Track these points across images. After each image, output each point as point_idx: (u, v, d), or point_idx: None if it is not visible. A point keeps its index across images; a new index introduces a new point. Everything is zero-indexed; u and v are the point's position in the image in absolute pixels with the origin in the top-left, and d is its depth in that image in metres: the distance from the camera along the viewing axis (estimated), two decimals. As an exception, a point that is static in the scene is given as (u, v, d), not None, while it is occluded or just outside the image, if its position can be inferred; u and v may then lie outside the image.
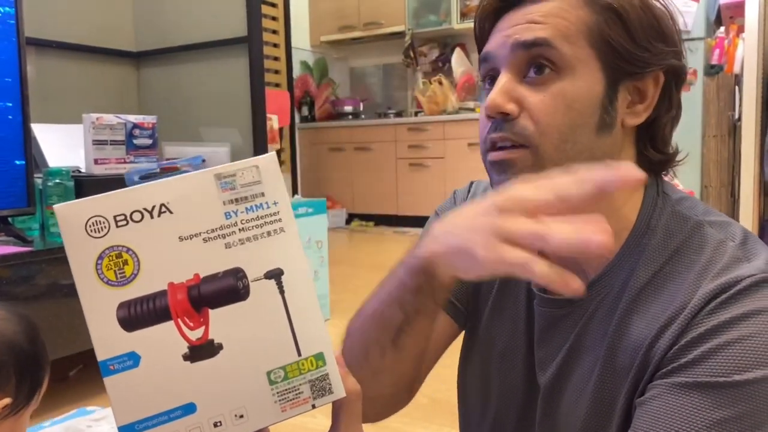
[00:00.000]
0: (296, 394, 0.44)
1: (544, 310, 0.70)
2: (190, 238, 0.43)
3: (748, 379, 0.54)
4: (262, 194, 0.45)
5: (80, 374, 2.17)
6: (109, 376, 0.42)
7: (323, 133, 5.86)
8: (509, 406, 0.74)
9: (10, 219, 1.96)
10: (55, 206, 0.43)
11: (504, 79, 0.63)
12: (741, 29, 4.18)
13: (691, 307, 0.58)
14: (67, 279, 1.85)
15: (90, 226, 0.42)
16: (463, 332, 0.82)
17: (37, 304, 1.81)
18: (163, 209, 0.43)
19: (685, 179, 3.85)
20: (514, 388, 0.74)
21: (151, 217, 0.43)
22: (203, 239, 0.43)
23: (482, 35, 0.69)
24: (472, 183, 0.86)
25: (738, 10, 4.19)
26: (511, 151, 0.63)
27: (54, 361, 1.87)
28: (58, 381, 2.12)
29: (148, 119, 2.28)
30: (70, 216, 0.42)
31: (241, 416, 0.43)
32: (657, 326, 0.60)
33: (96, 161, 2.17)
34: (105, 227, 0.42)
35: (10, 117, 1.92)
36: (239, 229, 0.44)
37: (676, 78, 0.66)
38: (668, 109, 0.67)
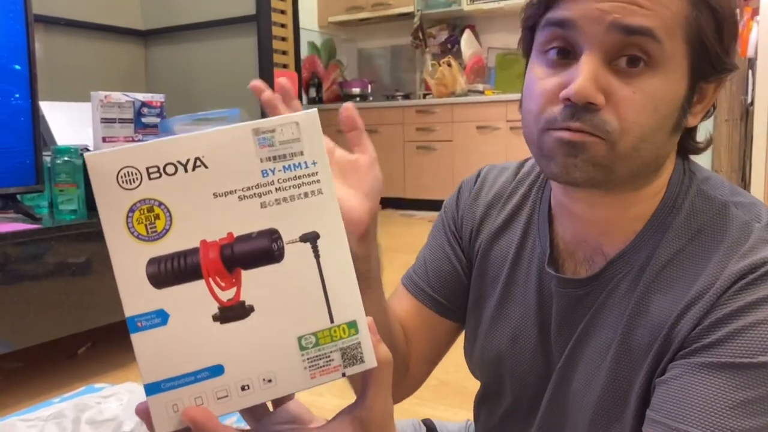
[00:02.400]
0: (327, 362, 0.43)
1: (565, 291, 0.69)
2: (225, 195, 0.42)
3: None
4: (301, 153, 0.43)
5: (89, 352, 2.17)
6: (137, 333, 0.41)
7: (331, 115, 5.74)
8: (524, 389, 0.74)
9: (18, 197, 1.96)
10: (86, 155, 0.41)
11: (592, 63, 0.57)
12: (755, 12, 4.12)
13: (716, 288, 0.57)
14: (75, 257, 1.85)
15: (122, 177, 0.41)
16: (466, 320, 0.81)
17: (46, 281, 1.81)
18: (198, 163, 0.41)
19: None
20: (527, 372, 0.73)
21: (185, 170, 0.41)
22: (238, 197, 0.42)
23: None
24: (480, 171, 0.83)
25: (753, -8, 4.13)
26: (587, 136, 0.58)
27: (63, 339, 1.89)
28: (68, 358, 2.13)
29: (157, 98, 2.27)
30: (101, 166, 0.40)
31: (270, 381, 0.42)
32: (680, 306, 0.59)
33: (104, 139, 2.16)
34: (137, 179, 0.41)
35: (17, 95, 1.91)
36: (276, 189, 0.42)
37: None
38: (713, 107, 0.65)
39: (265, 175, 0.42)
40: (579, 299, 0.68)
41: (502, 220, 0.77)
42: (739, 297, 0.56)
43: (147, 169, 0.41)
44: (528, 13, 0.64)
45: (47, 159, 1.99)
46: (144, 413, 0.41)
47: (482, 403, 0.82)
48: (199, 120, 2.04)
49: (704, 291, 0.58)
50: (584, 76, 0.57)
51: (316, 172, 0.43)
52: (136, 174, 0.41)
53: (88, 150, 2.20)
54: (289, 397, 0.50)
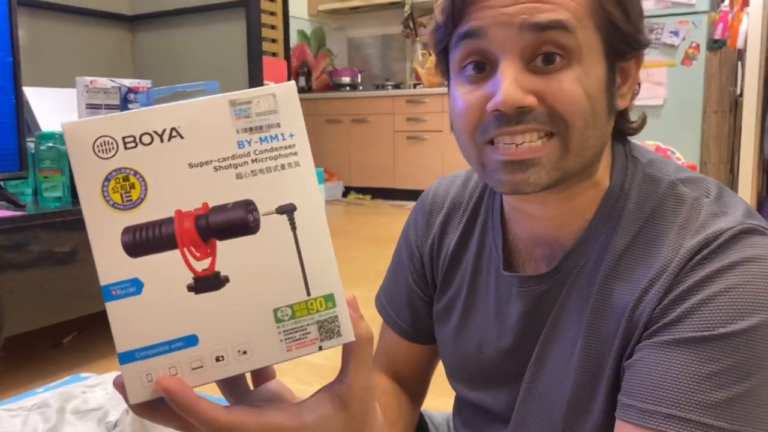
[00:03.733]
0: (303, 334, 0.43)
1: (527, 290, 0.68)
2: (201, 166, 0.42)
3: (733, 330, 0.54)
4: (278, 125, 0.43)
5: (75, 341, 2.15)
6: (111, 302, 0.41)
7: (320, 105, 5.80)
8: (496, 394, 0.74)
9: (2, 183, 1.93)
10: (62, 124, 0.41)
11: (511, 68, 0.57)
12: (746, 3, 4.12)
13: (674, 266, 0.58)
14: (60, 245, 1.82)
15: (98, 147, 0.41)
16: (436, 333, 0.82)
17: (31, 269, 1.79)
18: (174, 133, 0.41)
19: (684, 155, 3.82)
20: (497, 377, 0.73)
21: (161, 140, 0.41)
22: (214, 168, 0.42)
23: (461, 8, 0.59)
24: (431, 186, 0.84)
25: (743, -17, 4.13)
26: (535, 146, 0.58)
27: (48, 327, 1.87)
28: (53, 348, 2.11)
29: (144, 83, 2.24)
30: (78, 134, 0.41)
31: (245, 352, 0.42)
32: (640, 288, 0.59)
33: (90, 126, 2.12)
34: (113, 148, 0.41)
35: (0, 80, 1.88)
36: (252, 160, 0.42)
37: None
38: (637, 84, 0.66)
39: (242, 146, 0.42)
40: (541, 296, 0.68)
41: (460, 232, 0.77)
42: (695, 272, 0.57)
43: (123, 138, 0.41)
44: (437, 38, 0.64)
45: (31, 145, 1.96)
46: (120, 386, 0.41)
47: (459, 408, 0.83)
48: (178, 92, 2.03)
49: (662, 271, 0.58)
50: (507, 82, 0.56)
51: (293, 144, 0.43)
52: (112, 143, 0.41)
53: (73, 136, 2.17)
54: (270, 376, 0.49)
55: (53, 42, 2.94)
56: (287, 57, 4.87)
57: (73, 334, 2.16)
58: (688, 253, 0.58)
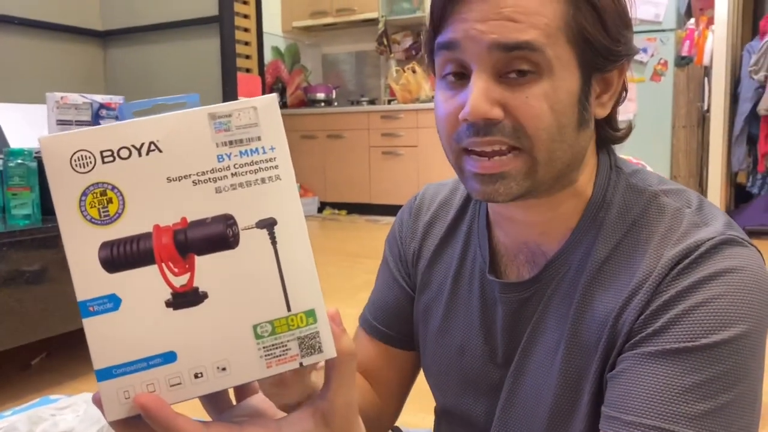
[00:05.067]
0: (283, 351, 0.42)
1: (509, 296, 0.69)
2: (179, 180, 0.41)
3: (715, 341, 0.54)
4: (259, 138, 0.42)
5: (44, 362, 2.10)
6: (88, 318, 0.40)
7: (295, 120, 5.79)
8: (477, 399, 0.73)
9: (-31, 201, 1.88)
10: (40, 137, 0.41)
11: (481, 80, 0.58)
12: (711, 21, 4.24)
13: (655, 276, 0.58)
14: (29, 264, 1.78)
15: (75, 161, 0.40)
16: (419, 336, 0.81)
17: (-2, 289, 1.74)
18: (152, 147, 0.41)
19: (654, 169, 3.88)
20: (478, 382, 0.73)
21: (139, 155, 0.41)
22: (193, 181, 0.41)
23: (441, 16, 0.61)
24: (419, 192, 0.84)
25: (708, 1, 4.25)
26: (503, 161, 0.59)
27: (17, 348, 1.82)
28: (21, 370, 2.05)
29: (116, 99, 2.21)
30: (55, 149, 0.40)
31: (224, 369, 0.41)
32: (622, 298, 0.60)
33: (60, 142, 2.09)
34: (90, 162, 0.40)
35: (-32, 95, 1.85)
36: (232, 174, 0.42)
37: (629, 62, 0.65)
38: (623, 92, 0.66)
39: (221, 159, 0.42)
40: (523, 302, 0.68)
41: (443, 234, 0.78)
42: (677, 282, 0.57)
43: (101, 152, 0.40)
44: (425, 40, 0.66)
45: (-1, 162, 1.92)
46: (98, 402, 0.40)
47: (441, 417, 0.82)
48: (158, 104, 2.01)
49: (644, 281, 0.59)
50: (475, 94, 0.58)
51: (274, 158, 0.42)
52: (89, 157, 0.40)
53: (43, 153, 2.13)
54: (252, 391, 0.49)
55: (23, 57, 2.90)
56: (261, 73, 4.86)
57: (42, 356, 2.11)
58: (669, 262, 0.58)
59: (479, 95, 0.58)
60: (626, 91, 0.67)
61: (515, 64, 0.58)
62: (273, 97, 0.43)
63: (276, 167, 0.42)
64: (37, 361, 2.10)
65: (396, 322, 0.82)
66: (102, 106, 2.17)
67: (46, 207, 1.93)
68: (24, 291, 1.79)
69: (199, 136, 0.41)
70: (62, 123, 2.10)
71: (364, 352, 0.83)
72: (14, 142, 2.29)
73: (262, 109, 0.42)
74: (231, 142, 0.42)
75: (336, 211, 5.71)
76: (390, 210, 5.30)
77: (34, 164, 1.86)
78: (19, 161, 1.85)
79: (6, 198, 1.88)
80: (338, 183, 5.69)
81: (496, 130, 0.59)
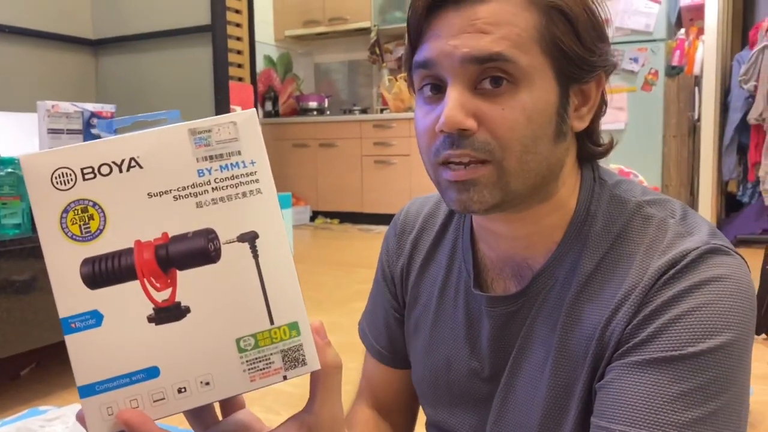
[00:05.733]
0: (267, 364, 0.42)
1: (496, 310, 0.69)
2: (160, 195, 0.41)
3: (702, 349, 0.54)
4: (239, 152, 0.43)
5: (33, 373, 2.08)
6: (71, 335, 0.41)
7: (287, 129, 5.79)
8: (465, 413, 0.73)
9: (-43, 210, 1.86)
10: (20, 155, 0.41)
11: (456, 92, 0.59)
12: (701, 31, 4.27)
13: (641, 286, 0.59)
14: (19, 273, 1.77)
15: (56, 178, 0.41)
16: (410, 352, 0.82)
17: (-13, 299, 1.72)
18: (133, 163, 0.41)
19: (646, 178, 3.90)
20: (466, 396, 0.73)
21: (120, 171, 0.41)
22: (174, 197, 0.42)
23: (417, 35, 0.62)
24: (404, 207, 0.84)
25: (698, 12, 4.29)
26: (473, 168, 0.60)
27: (5, 359, 1.80)
28: (10, 380, 2.03)
29: (107, 108, 2.20)
30: (35, 167, 0.41)
31: (207, 383, 0.41)
32: (609, 309, 0.60)
33: (51, 151, 2.08)
34: (71, 180, 0.41)
35: (-42, 103, 1.83)
36: (212, 188, 0.42)
37: (607, 75, 0.65)
38: (602, 105, 0.66)
39: (201, 174, 0.42)
40: (510, 316, 0.68)
41: (429, 248, 0.78)
42: (663, 292, 0.58)
43: (82, 169, 0.41)
44: (405, 57, 0.67)
45: (-11, 171, 1.90)
46: (82, 419, 0.40)
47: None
48: (138, 122, 2.02)
49: (630, 291, 0.59)
50: (449, 105, 0.58)
51: (255, 172, 0.43)
52: (70, 175, 0.41)
53: (33, 162, 2.12)
54: (239, 405, 0.48)
55: (14, 66, 2.88)
56: (254, 82, 4.87)
57: (31, 366, 2.09)
58: (656, 273, 0.58)
59: (453, 106, 0.58)
60: (606, 104, 0.67)
61: (488, 73, 0.58)
62: (252, 112, 0.43)
63: (257, 181, 0.43)
64: (27, 371, 2.08)
65: (390, 344, 0.82)
66: (93, 114, 2.16)
67: (35, 222, 1.91)
68: (13, 301, 1.78)
69: (179, 151, 0.42)
70: (53, 132, 2.08)
71: (372, 372, 0.85)
72: (4, 151, 2.27)
73: (242, 124, 0.43)
74: (211, 157, 0.42)
75: (328, 220, 5.71)
76: (382, 219, 5.29)
77: (24, 173, 1.85)
78: (10, 170, 1.83)
79: (-5, 207, 1.87)
80: (330, 192, 5.69)
81: (468, 143, 0.59)
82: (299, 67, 6.35)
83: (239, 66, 4.82)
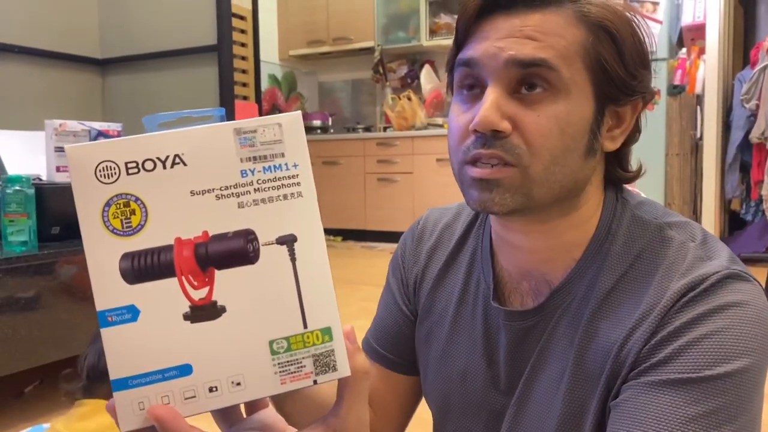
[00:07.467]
0: (298, 368, 0.42)
1: (512, 324, 0.69)
2: (202, 194, 0.42)
3: (719, 373, 0.54)
4: (282, 155, 0.43)
5: (37, 390, 2.08)
6: (107, 328, 0.41)
7: (291, 147, 5.80)
8: (477, 425, 0.73)
9: (-35, 227, 1.88)
10: (66, 147, 0.41)
11: (495, 93, 0.60)
12: (702, 51, 4.30)
13: (660, 307, 0.59)
14: (25, 291, 1.78)
15: (100, 171, 0.41)
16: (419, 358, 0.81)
17: (-7, 316, 1.73)
18: (177, 160, 0.41)
19: (649, 195, 3.89)
20: (479, 408, 0.73)
21: (164, 167, 0.41)
22: (216, 196, 0.42)
23: (465, 35, 0.64)
24: (422, 216, 0.84)
25: (699, 32, 4.31)
26: (499, 169, 0.60)
27: (10, 376, 1.80)
28: (14, 397, 2.03)
29: (114, 126, 2.23)
30: (81, 158, 0.41)
31: (239, 384, 0.42)
32: (627, 328, 0.60)
33: (58, 169, 2.10)
34: (115, 173, 0.41)
35: (-33, 122, 1.86)
36: (255, 189, 0.42)
37: (645, 103, 0.66)
38: (636, 132, 0.67)
39: (245, 175, 0.42)
40: (527, 331, 0.68)
41: (446, 259, 0.78)
42: (682, 314, 0.58)
43: (126, 164, 0.41)
44: (448, 57, 0.68)
45: (-3, 188, 1.92)
46: (112, 411, 0.41)
47: None
48: (183, 117, 2.04)
49: (649, 311, 0.59)
50: (486, 105, 0.59)
51: (297, 175, 0.43)
52: (114, 168, 0.41)
53: (40, 180, 2.14)
54: (263, 405, 0.49)
55: (21, 85, 2.92)
56: (258, 101, 4.89)
57: (36, 383, 2.09)
58: (675, 294, 0.58)
59: (490, 106, 0.59)
60: (639, 131, 0.67)
61: (528, 79, 0.59)
62: (298, 115, 0.43)
63: (298, 184, 0.43)
64: (31, 388, 2.07)
65: (396, 347, 0.81)
66: (100, 133, 2.19)
67: (43, 234, 1.92)
68: (19, 318, 1.78)
69: (223, 150, 0.42)
70: (60, 150, 2.11)
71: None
72: (12, 169, 2.29)
73: (287, 126, 0.43)
74: (255, 158, 0.42)
75: (331, 238, 5.71)
76: (386, 237, 5.30)
77: (31, 191, 1.87)
78: (17, 188, 1.85)
79: (3, 224, 1.88)
80: (334, 209, 5.70)
81: (499, 144, 0.60)
82: (303, 86, 6.40)
83: (244, 85, 4.85)
